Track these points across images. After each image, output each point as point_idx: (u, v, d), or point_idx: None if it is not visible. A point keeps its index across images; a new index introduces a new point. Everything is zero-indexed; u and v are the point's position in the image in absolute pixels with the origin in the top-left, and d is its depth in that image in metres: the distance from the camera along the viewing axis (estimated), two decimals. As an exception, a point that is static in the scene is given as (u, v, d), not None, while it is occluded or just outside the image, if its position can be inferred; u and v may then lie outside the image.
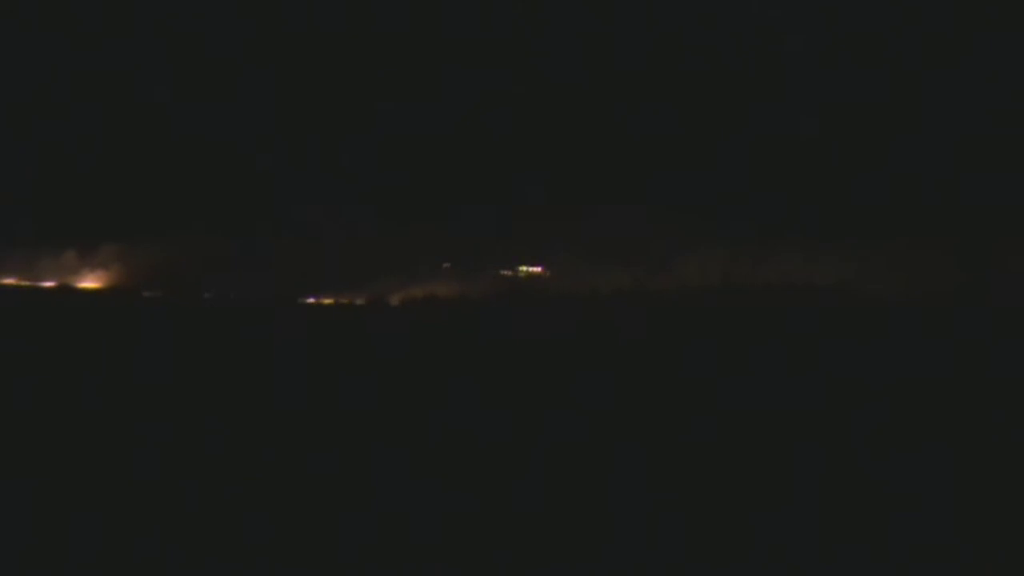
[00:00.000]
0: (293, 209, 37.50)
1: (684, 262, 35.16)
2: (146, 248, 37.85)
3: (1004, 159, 33.04)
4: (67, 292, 37.59)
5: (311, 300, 37.36)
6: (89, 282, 38.05)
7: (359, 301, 37.27)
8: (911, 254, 32.15)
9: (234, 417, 22.12)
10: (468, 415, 22.38)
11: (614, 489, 17.21)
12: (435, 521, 16.17)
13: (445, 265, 38.02)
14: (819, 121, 33.89)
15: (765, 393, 23.00)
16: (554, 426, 21.33)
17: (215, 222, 37.82)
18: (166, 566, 14.87)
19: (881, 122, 33.68)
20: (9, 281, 37.55)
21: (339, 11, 36.51)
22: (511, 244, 37.39)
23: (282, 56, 36.93)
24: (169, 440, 20.33)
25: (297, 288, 37.48)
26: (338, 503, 17.07)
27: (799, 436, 19.89)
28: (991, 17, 33.14)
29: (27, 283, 37.59)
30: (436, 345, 31.23)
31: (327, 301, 37.37)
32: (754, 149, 34.74)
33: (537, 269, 37.69)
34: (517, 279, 37.77)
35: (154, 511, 16.28)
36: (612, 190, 36.28)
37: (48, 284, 38.08)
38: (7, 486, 17.28)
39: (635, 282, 35.04)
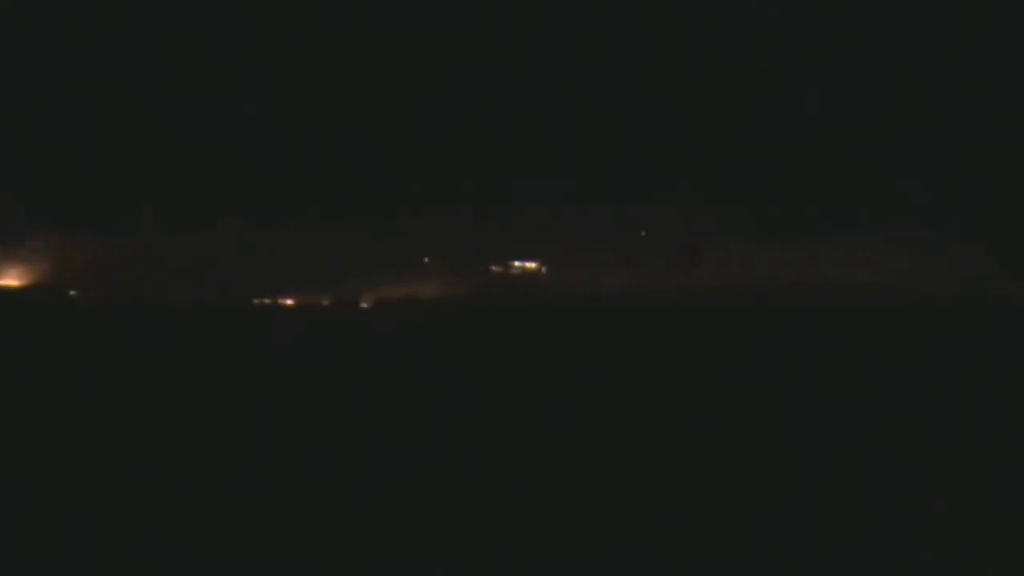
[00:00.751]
0: (248, 200, 33.14)
1: (703, 259, 31.91)
2: (79, 243, 33.43)
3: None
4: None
5: (266, 301, 32.10)
6: (11, 279, 33.43)
7: (324, 303, 32.15)
8: (964, 250, 30.49)
9: (168, 435, 20.44)
10: (454, 434, 20.57)
11: (625, 514, 16.47)
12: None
13: (426, 260, 33.15)
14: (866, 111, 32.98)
15: (804, 400, 22.07)
16: (553, 445, 19.73)
17: (158, 215, 33.57)
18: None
19: (932, 114, 32.91)
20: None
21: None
22: (503, 236, 32.91)
23: (250, 47, 34.01)
24: (99, 456, 19.23)
25: (250, 288, 32.45)
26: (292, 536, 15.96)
27: (847, 440, 19.45)
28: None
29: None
30: (416, 354, 27.14)
31: (286, 302, 32.20)
32: (786, 140, 33.23)
33: (533, 265, 33.14)
34: (511, 276, 33.12)
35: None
36: (622, 179, 33.27)
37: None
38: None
39: (646, 280, 31.20)
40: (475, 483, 18.32)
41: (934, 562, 15.12)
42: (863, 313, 28.46)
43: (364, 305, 32.07)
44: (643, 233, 32.80)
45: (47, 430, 21.01)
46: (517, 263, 33.38)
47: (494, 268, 33.37)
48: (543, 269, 33.27)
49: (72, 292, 33.06)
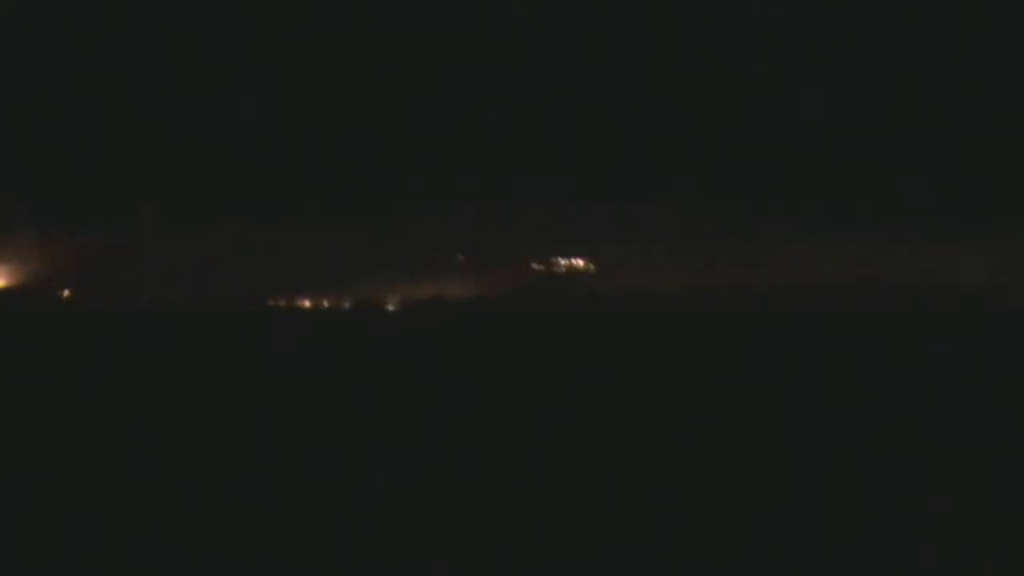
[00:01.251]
0: (258, 193, 30.55)
1: (782, 256, 29.33)
2: (72, 238, 31.16)
3: None
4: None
5: (281, 304, 29.08)
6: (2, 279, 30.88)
7: (344, 305, 28.94)
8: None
9: (170, 451, 19.36)
10: (488, 455, 19.18)
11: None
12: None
13: (460, 257, 29.97)
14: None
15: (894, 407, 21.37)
16: (605, 469, 18.60)
17: (161, 209, 31.36)
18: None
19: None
20: None
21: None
22: (548, 229, 29.34)
23: (263, 46, 32.68)
24: (94, 459, 18.78)
25: (264, 288, 29.47)
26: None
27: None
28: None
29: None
30: (447, 364, 24.74)
31: (303, 305, 29.19)
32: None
33: (581, 262, 29.60)
34: (556, 275, 29.55)
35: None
36: (687, 163, 31.00)
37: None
38: None
39: (715, 280, 28.28)
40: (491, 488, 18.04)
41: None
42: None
43: (390, 307, 28.93)
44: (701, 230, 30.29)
45: (42, 432, 20.55)
46: (561, 260, 30.08)
47: (536, 264, 30.12)
48: (591, 266, 29.80)
49: (65, 292, 30.70)
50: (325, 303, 29.47)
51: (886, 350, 24.74)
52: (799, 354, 24.45)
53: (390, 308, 29.10)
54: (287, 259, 30.38)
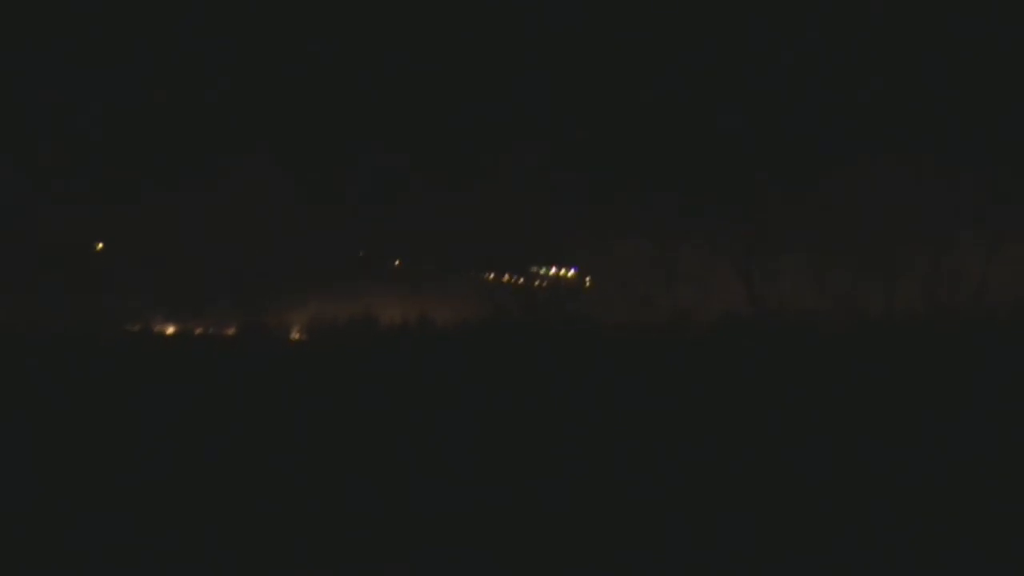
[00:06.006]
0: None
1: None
2: None
3: None
4: None
5: (135, 328, 20.86)
6: None
7: (230, 331, 21.13)
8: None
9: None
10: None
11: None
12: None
13: (396, 263, 22.86)
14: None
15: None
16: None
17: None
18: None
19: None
20: None
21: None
22: (520, 229, 21.81)
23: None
24: None
25: (109, 311, 21.61)
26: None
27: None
28: None
29: None
30: (376, 410, 17.73)
31: (166, 330, 21.24)
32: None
33: (569, 273, 22.20)
34: (529, 290, 22.06)
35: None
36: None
37: None
38: None
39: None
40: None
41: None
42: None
43: (293, 337, 21.15)
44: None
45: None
46: (542, 269, 22.80)
47: (503, 276, 22.82)
48: (582, 280, 22.75)
49: None
50: (186, 326, 22.43)
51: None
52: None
53: (292, 338, 22.13)
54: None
